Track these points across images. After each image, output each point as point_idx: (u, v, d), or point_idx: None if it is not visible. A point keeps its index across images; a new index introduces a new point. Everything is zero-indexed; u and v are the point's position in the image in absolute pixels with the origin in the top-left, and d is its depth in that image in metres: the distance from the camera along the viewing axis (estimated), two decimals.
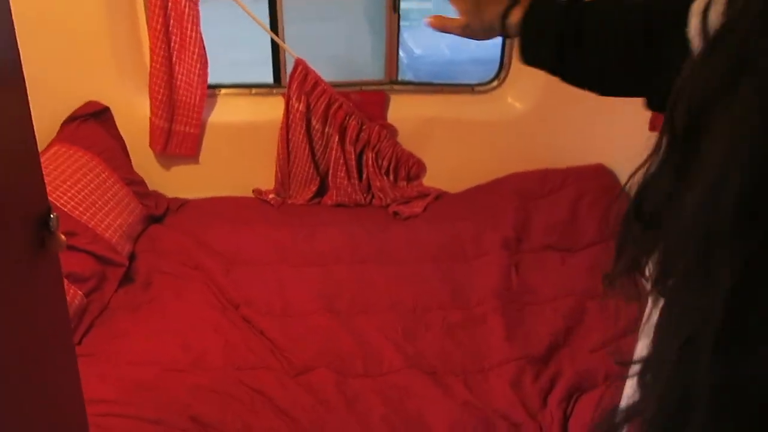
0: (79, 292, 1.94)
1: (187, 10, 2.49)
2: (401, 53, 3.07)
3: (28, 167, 1.12)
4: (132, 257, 2.32)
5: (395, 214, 2.72)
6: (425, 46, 4.47)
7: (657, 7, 0.71)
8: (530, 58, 0.85)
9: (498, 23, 0.87)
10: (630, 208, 0.43)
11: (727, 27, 0.37)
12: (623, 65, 0.76)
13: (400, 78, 2.93)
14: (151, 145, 2.68)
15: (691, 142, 0.38)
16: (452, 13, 0.92)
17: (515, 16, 0.84)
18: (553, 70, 0.83)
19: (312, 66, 2.68)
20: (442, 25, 0.94)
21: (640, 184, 0.43)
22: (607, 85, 0.83)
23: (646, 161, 0.43)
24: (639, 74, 0.74)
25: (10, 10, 1.14)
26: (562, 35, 0.79)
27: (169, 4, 2.46)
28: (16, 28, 1.11)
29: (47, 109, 2.17)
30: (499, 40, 2.83)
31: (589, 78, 0.82)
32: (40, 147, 1.80)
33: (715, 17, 0.48)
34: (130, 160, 2.65)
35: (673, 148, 0.40)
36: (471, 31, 0.91)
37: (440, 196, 2.84)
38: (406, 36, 4.46)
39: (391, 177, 2.86)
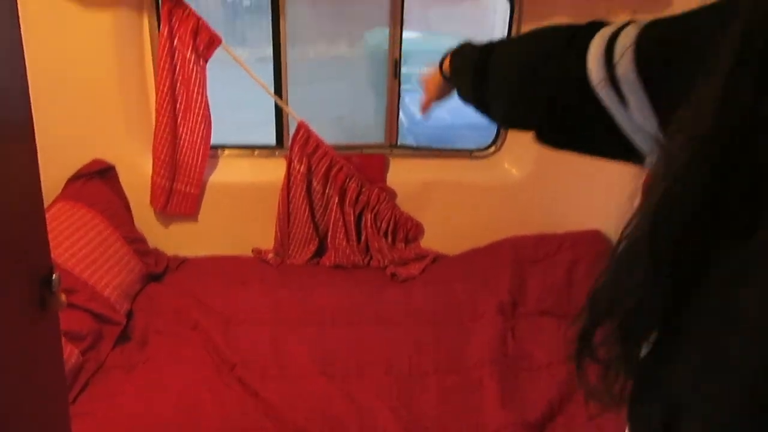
0: (76, 350, 1.94)
1: (194, 73, 2.58)
2: (402, 116, 3.15)
3: (33, 226, 1.15)
4: (129, 315, 2.32)
5: (393, 276, 2.74)
6: None
7: (550, 50, 0.75)
8: (461, 95, 0.98)
9: (444, 81, 1.03)
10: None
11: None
12: (518, 97, 0.81)
13: (400, 141, 3.00)
14: (151, 203, 2.72)
15: None
16: None
17: (445, 64, 0.99)
18: (477, 106, 0.91)
19: (315, 126, 2.75)
20: (426, 107, 1.14)
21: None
22: (504, 117, 0.90)
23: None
24: (533, 105, 0.78)
25: (25, 72, 1.19)
26: (475, 71, 0.87)
27: (178, 67, 2.55)
28: (31, 84, 1.16)
29: (55, 164, 2.22)
30: None
31: (495, 109, 0.88)
32: (45, 202, 1.83)
33: (622, 65, 0.56)
34: (132, 218, 2.68)
35: None
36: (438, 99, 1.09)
37: (437, 258, 2.87)
38: (408, 100, 4.56)
39: (390, 239, 2.89)
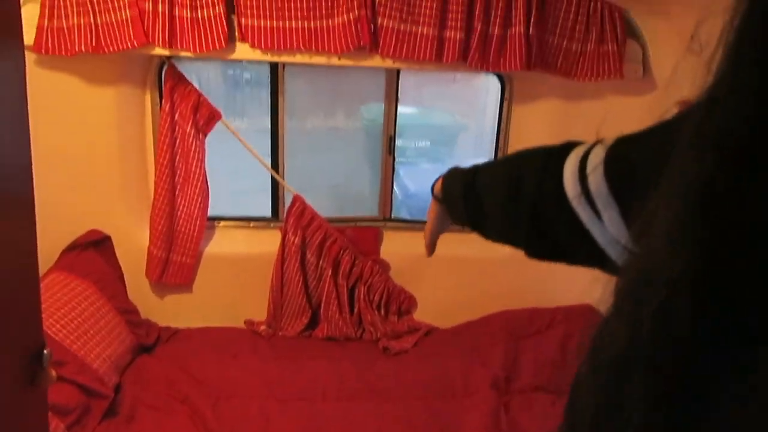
0: (62, 425, 1.90)
1: (194, 147, 2.64)
2: (396, 189, 3.21)
3: (28, 303, 1.15)
4: (118, 388, 2.29)
5: (385, 349, 2.72)
6: (420, 183, 4.67)
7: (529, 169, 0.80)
8: (453, 217, 1.01)
9: (441, 210, 1.05)
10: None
11: None
12: (505, 215, 0.85)
13: (394, 214, 3.04)
14: (147, 274, 2.73)
15: None
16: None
17: (437, 187, 1.03)
18: (471, 226, 0.96)
19: (309, 195, 2.79)
20: (430, 243, 1.13)
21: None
22: (497, 235, 0.92)
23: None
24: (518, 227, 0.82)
25: (30, 148, 1.23)
26: (465, 193, 0.92)
27: (178, 141, 2.61)
28: (33, 153, 1.19)
29: (51, 233, 2.23)
30: None
31: (488, 228, 0.93)
32: (40, 272, 1.84)
33: (593, 182, 0.60)
34: (125, 289, 2.68)
35: None
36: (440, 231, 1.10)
37: (430, 331, 2.85)
38: (402, 173, 4.65)
39: (382, 311, 2.89)
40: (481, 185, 0.89)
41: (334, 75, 3.54)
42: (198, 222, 2.72)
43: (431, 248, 1.13)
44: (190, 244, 2.73)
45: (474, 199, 0.90)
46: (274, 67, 2.72)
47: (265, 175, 2.91)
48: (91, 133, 2.53)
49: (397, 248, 2.91)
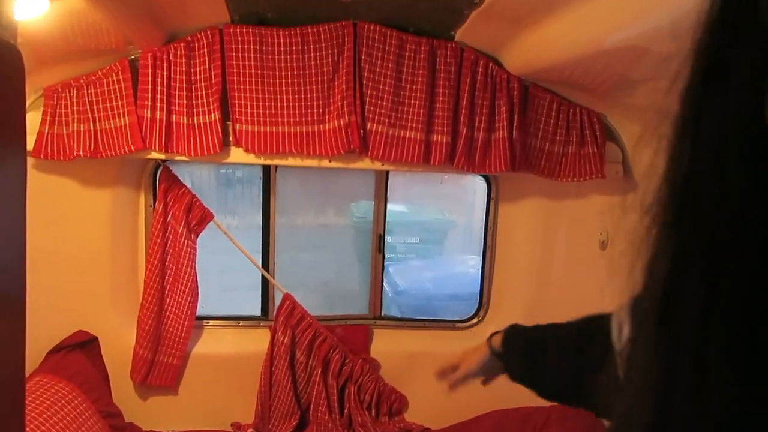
0: None
1: (185, 247, 2.67)
2: (386, 286, 3.22)
3: (12, 410, 1.13)
4: None
5: None
6: (410, 280, 4.68)
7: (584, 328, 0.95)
8: (510, 371, 1.12)
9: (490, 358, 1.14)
10: None
11: None
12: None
13: (384, 312, 3.04)
14: (131, 376, 2.68)
15: None
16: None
17: (496, 340, 1.12)
18: (524, 382, 1.08)
19: (299, 291, 2.79)
20: (460, 380, 1.24)
21: None
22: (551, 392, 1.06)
23: None
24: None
25: (25, 251, 1.25)
26: (529, 350, 1.05)
27: (169, 241, 2.64)
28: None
29: (38, 335, 2.22)
30: (477, 279, 3.00)
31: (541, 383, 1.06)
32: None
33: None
34: (110, 391, 2.62)
35: None
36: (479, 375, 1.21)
37: None
38: (392, 270, 4.67)
39: (373, 412, 2.82)
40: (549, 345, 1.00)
41: (324, 174, 3.64)
42: (186, 322, 2.71)
43: (456, 386, 1.21)
44: (177, 344, 2.70)
45: (536, 357, 1.02)
46: (267, 168, 2.80)
47: (256, 272, 2.93)
48: (83, 234, 2.56)
49: (388, 346, 2.89)
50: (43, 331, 2.43)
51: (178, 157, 2.42)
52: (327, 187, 3.95)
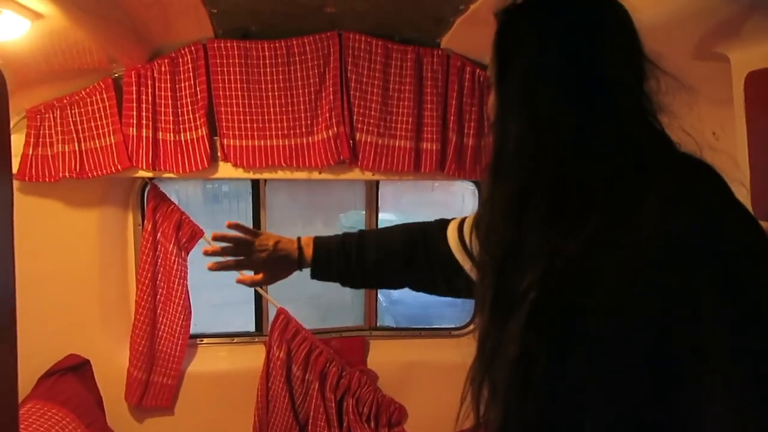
0: None
1: (176, 265, 2.63)
2: (380, 296, 3.20)
3: None
4: None
5: None
6: (404, 289, 4.67)
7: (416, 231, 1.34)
8: (319, 275, 1.44)
9: (295, 265, 1.47)
10: None
11: None
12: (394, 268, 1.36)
13: (379, 322, 3.01)
14: (126, 398, 2.63)
15: None
16: None
17: (307, 252, 1.45)
18: (340, 281, 1.42)
19: (290, 305, 2.76)
20: (249, 282, 1.53)
21: None
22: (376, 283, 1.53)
23: None
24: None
25: (14, 275, 1.22)
26: (347, 254, 1.35)
27: (160, 259, 2.60)
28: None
29: (29, 359, 2.17)
30: None
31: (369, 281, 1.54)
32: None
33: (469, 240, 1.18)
34: (104, 414, 2.57)
35: None
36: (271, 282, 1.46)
37: None
38: None
39: (372, 424, 2.79)
40: (373, 245, 1.32)
41: (312, 185, 3.61)
42: (180, 341, 2.67)
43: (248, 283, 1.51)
44: (171, 364, 2.66)
45: (356, 255, 1.32)
46: (255, 182, 2.78)
47: (247, 287, 2.88)
48: (72, 256, 2.52)
49: (385, 357, 2.87)
50: (34, 355, 2.39)
51: (166, 175, 2.39)
52: (315, 198, 3.92)
